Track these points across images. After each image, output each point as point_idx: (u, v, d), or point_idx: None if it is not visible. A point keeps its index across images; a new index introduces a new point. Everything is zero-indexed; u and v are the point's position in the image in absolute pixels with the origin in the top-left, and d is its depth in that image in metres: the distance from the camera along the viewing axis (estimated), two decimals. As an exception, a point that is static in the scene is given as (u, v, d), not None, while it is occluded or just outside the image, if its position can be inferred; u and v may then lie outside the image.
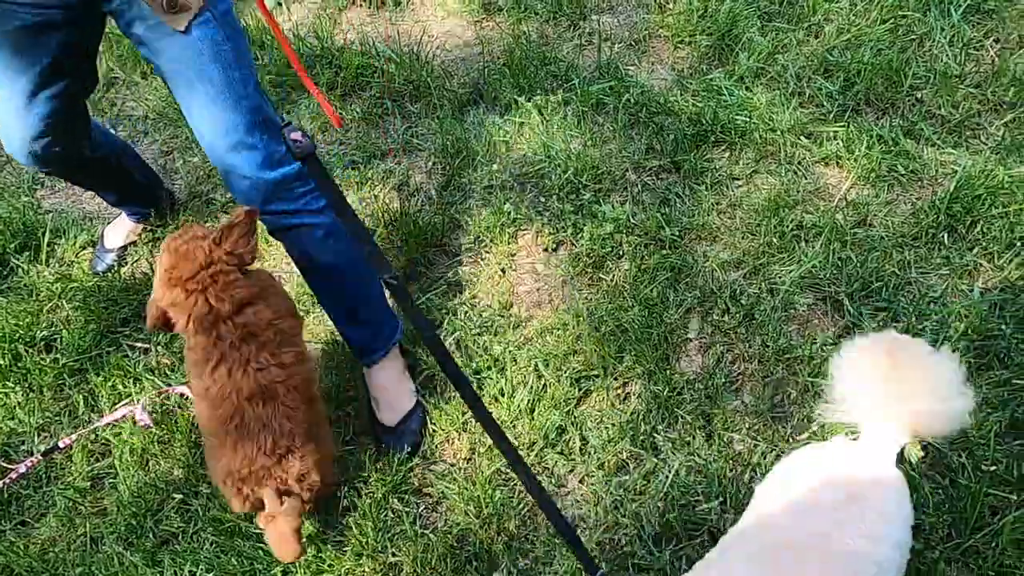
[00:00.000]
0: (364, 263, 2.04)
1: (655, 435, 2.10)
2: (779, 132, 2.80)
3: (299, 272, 2.14)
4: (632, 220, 2.60)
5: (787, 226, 2.53)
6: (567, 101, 3.02)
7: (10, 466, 2.18)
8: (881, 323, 2.28)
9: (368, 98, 3.17)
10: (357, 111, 3.13)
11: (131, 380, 2.38)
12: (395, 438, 2.15)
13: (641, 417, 2.13)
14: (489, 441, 2.13)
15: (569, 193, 2.72)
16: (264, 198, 1.85)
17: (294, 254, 2.05)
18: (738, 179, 2.73)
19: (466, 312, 2.45)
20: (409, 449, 2.14)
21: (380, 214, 2.71)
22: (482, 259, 2.61)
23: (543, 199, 2.74)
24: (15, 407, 2.34)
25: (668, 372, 2.22)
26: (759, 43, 3.09)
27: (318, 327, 2.47)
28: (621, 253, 2.54)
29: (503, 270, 2.56)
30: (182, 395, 2.32)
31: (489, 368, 2.28)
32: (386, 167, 2.92)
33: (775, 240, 2.50)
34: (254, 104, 1.78)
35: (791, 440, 2.07)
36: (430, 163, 2.93)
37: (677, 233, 2.55)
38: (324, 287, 2.11)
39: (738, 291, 2.40)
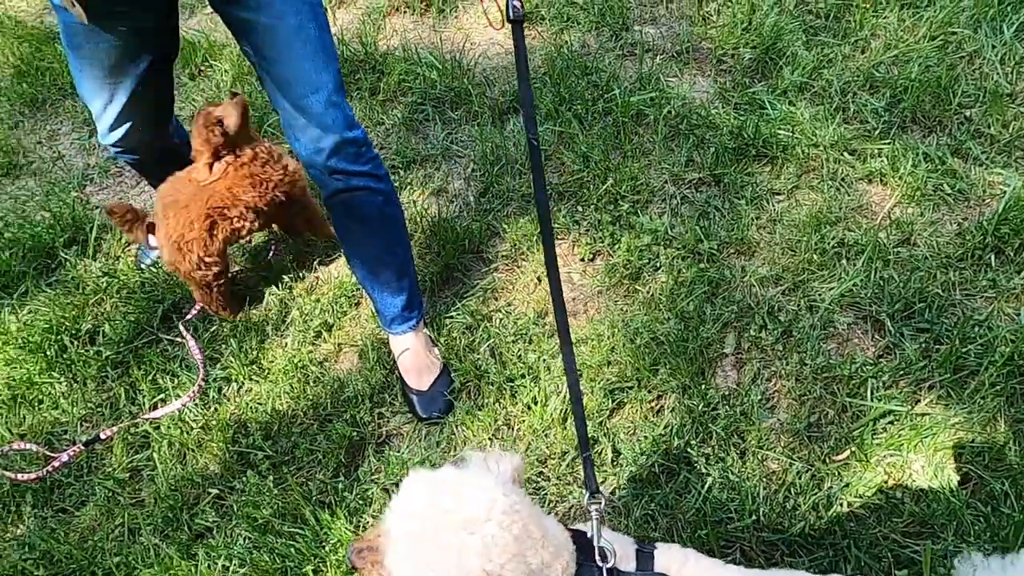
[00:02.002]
0: (407, 233, 2.19)
1: (688, 450, 2.08)
2: (822, 148, 2.77)
3: (342, 241, 2.19)
4: (670, 232, 2.59)
5: (828, 243, 2.50)
6: (607, 111, 3.02)
7: (53, 455, 2.24)
8: (923, 344, 2.24)
9: (409, 104, 3.20)
10: (398, 116, 3.16)
11: (169, 375, 2.43)
12: (430, 400, 2.24)
13: (675, 431, 2.11)
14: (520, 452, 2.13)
15: (607, 203, 2.72)
16: (339, 157, 1.89)
17: (349, 218, 2.08)
18: (779, 194, 2.71)
19: (501, 319, 2.46)
20: (444, 409, 2.24)
21: (418, 219, 2.73)
22: (518, 267, 2.62)
23: (581, 208, 2.74)
24: (59, 397, 2.40)
25: (703, 387, 2.20)
26: (804, 57, 3.06)
27: (355, 329, 2.50)
28: (658, 265, 2.52)
29: (539, 279, 2.56)
30: (220, 391, 2.36)
31: (523, 376, 2.29)
32: (425, 172, 2.95)
33: (816, 257, 2.47)
34: (339, 67, 1.87)
35: (828, 460, 2.04)
36: (469, 170, 2.95)
37: (715, 247, 2.53)
38: (371, 253, 2.15)
39: (776, 307, 2.38)
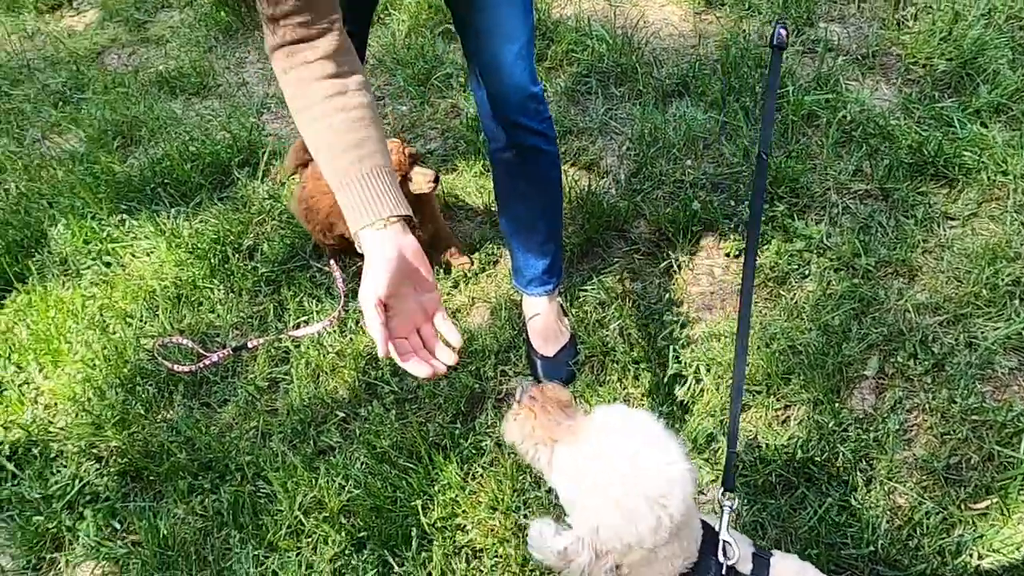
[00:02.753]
0: (562, 199, 2.21)
1: (811, 466, 2.01)
2: (1011, 176, 2.55)
3: (498, 196, 2.22)
4: (826, 241, 2.48)
5: (1001, 279, 2.31)
6: (777, 107, 2.90)
7: (205, 353, 2.44)
8: (1095, 406, 2.04)
9: (574, 74, 3.20)
10: (561, 85, 3.18)
11: (315, 300, 2.58)
12: (553, 367, 2.27)
13: (799, 444, 2.04)
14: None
15: (763, 202, 2.62)
16: (520, 111, 1.92)
17: (512, 175, 2.10)
18: (953, 219, 2.52)
19: (634, 300, 2.45)
20: (566, 378, 2.26)
21: (567, 189, 2.74)
22: (660, 252, 2.59)
23: (733, 203, 2.66)
24: (216, 303, 2.61)
25: (836, 405, 2.11)
26: (1006, 77, 2.82)
27: (490, 286, 2.56)
28: (807, 273, 2.42)
29: (679, 266, 2.52)
30: (358, 323, 2.49)
31: (648, 360, 2.27)
32: (580, 144, 2.95)
33: (984, 292, 2.29)
34: (534, 22, 1.89)
35: (964, 507, 1.91)
36: (624, 148, 2.93)
37: (873, 264, 2.40)
38: (526, 213, 2.18)
39: (931, 338, 2.23)
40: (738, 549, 1.23)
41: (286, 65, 1.35)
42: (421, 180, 2.27)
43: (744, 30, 3.24)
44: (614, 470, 1.10)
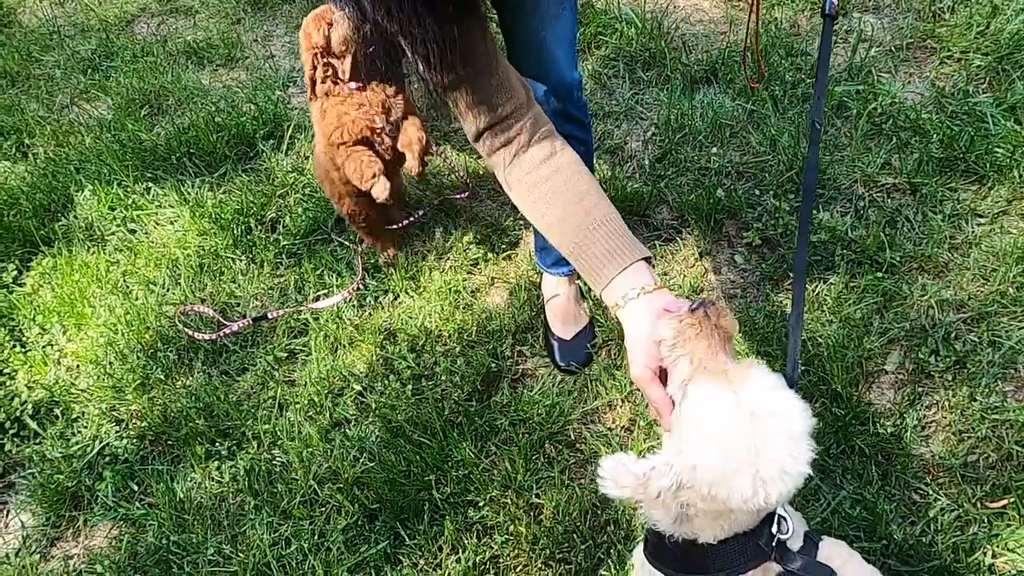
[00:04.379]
0: None
1: (826, 458, 2.00)
2: (1044, 175, 2.51)
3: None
4: (851, 234, 2.45)
5: (1029, 279, 2.28)
6: (806, 97, 2.87)
7: (226, 322, 2.46)
8: (1119, 410, 2.01)
9: (601, 57, 3.18)
10: (588, 68, 3.15)
11: (336, 274, 2.59)
12: (571, 349, 2.27)
13: (815, 435, 2.02)
14: (650, 418, 2.12)
15: (788, 192, 2.60)
16: (558, 96, 1.88)
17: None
18: (982, 216, 2.49)
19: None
20: (583, 361, 2.27)
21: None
22: (681, 238, 2.57)
23: (758, 192, 2.64)
24: (238, 273, 2.63)
25: (855, 398, 2.10)
26: (1044, 73, 2.76)
27: (510, 267, 2.56)
28: (831, 265, 2.40)
29: (700, 254, 2.51)
30: (377, 298, 2.50)
31: (666, 346, 2.26)
32: (605, 128, 2.93)
33: (1011, 291, 2.26)
34: (576, 5, 1.85)
35: (980, 505, 1.89)
36: (649, 133, 2.91)
37: (898, 258, 2.37)
38: None
39: (953, 335, 2.21)
40: (792, 525, 1.24)
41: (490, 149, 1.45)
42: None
43: (776, 18, 3.19)
44: (744, 435, 1.09)
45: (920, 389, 2.12)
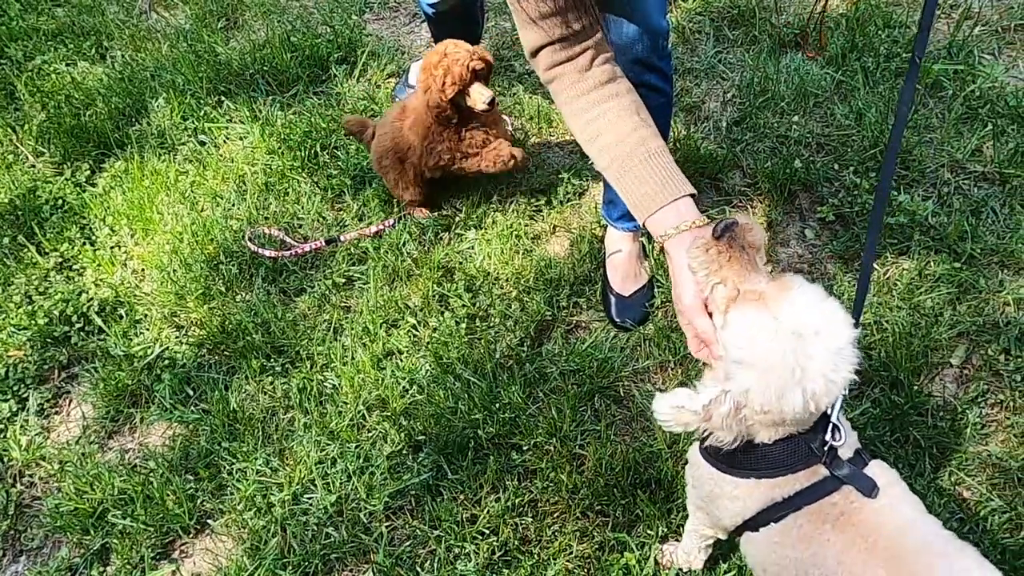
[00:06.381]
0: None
1: (879, 443, 1.96)
2: None
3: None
4: (930, 220, 2.36)
5: (1116, 286, 2.18)
6: (900, 72, 2.74)
7: (294, 243, 2.48)
8: None
9: (688, 11, 3.07)
10: (673, 21, 3.04)
11: (393, 204, 2.59)
12: (628, 306, 2.26)
13: (870, 420, 1.99)
14: (692, 352, 2.09)
15: (868, 169, 2.51)
16: (645, 46, 1.83)
17: None
18: (1074, 216, 2.37)
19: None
20: (638, 319, 2.25)
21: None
22: (751, 206, 2.50)
23: (837, 167, 2.55)
24: (302, 195, 2.65)
25: (915, 388, 2.05)
26: None
27: (573, 217, 2.52)
28: (906, 249, 2.32)
29: (770, 223, 2.44)
30: (437, 234, 2.50)
31: (725, 314, 2.22)
32: (683, 85, 2.84)
33: (1095, 296, 2.17)
34: None
35: (1034, 510, 1.85)
36: (729, 94, 2.81)
37: (979, 250, 2.28)
38: None
39: (1027, 335, 2.13)
40: (845, 434, 1.27)
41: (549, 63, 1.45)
42: (478, 98, 2.28)
43: (877, -15, 3.03)
44: (789, 357, 1.13)
45: (985, 387, 2.06)
